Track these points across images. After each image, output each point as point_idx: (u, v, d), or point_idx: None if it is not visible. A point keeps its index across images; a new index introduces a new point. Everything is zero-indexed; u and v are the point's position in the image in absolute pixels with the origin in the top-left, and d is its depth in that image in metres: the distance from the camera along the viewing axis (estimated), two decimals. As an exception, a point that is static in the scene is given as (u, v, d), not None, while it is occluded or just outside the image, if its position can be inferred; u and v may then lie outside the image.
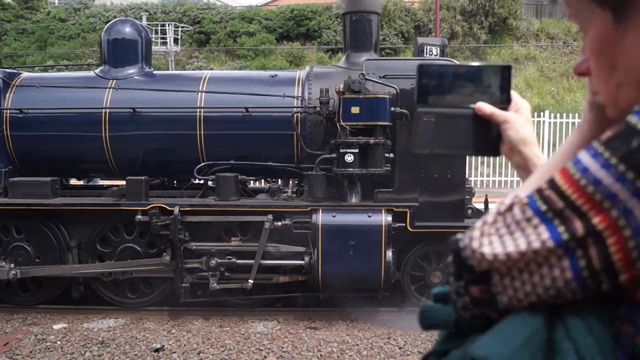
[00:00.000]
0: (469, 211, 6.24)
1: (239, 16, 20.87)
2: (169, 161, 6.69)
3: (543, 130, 13.44)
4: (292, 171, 6.50)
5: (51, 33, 21.80)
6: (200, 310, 6.39)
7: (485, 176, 13.57)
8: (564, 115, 13.48)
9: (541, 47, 17.48)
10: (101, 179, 8.68)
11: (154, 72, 7.09)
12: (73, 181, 8.32)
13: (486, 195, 7.17)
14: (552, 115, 13.53)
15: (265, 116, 6.37)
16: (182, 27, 19.65)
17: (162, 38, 19.06)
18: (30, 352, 5.35)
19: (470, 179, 13.25)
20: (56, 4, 25.57)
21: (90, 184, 9.48)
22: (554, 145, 13.54)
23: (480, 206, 6.94)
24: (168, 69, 17.40)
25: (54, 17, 22.19)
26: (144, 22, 19.31)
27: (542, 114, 13.52)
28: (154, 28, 19.16)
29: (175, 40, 18.99)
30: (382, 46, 17.31)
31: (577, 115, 13.46)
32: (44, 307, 6.54)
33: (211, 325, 6.07)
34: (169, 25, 18.81)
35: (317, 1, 19.88)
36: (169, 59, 18.78)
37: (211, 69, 15.83)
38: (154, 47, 18.94)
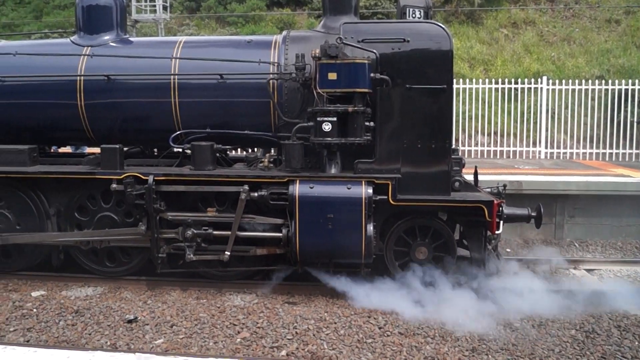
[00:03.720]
0: (457, 184, 5.87)
1: (230, -18, 20.52)
2: (145, 129, 6.50)
3: (541, 97, 12.87)
4: (269, 140, 6.29)
5: (47, 2, 21.85)
6: (179, 281, 6.29)
7: (480, 146, 13.08)
8: (564, 82, 12.81)
9: (541, 10, 16.53)
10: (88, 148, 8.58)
11: (130, 38, 6.87)
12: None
13: (476, 167, 6.89)
14: (551, 82, 12.92)
15: (240, 83, 6.13)
16: (173, -6, 19.30)
17: (152, 5, 18.67)
18: (7, 319, 5.32)
19: (463, 148, 12.79)
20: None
21: (77, 151, 9.36)
22: (553, 113, 12.98)
23: (470, 178, 6.64)
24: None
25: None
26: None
27: (539, 80, 12.92)
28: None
29: (165, 8, 18.61)
30: (374, 11, 16.69)
31: (577, 82, 12.83)
32: (26, 274, 6.55)
33: (188, 297, 5.97)
34: (158, -7, 18.41)
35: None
36: (159, 26, 18.43)
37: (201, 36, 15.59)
38: (143, 15, 18.64)
